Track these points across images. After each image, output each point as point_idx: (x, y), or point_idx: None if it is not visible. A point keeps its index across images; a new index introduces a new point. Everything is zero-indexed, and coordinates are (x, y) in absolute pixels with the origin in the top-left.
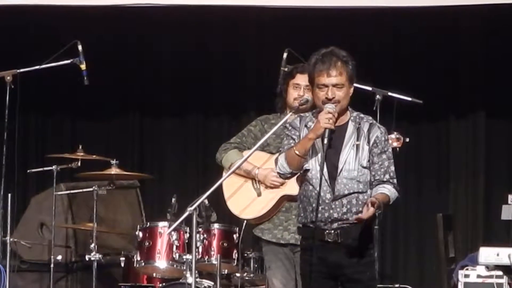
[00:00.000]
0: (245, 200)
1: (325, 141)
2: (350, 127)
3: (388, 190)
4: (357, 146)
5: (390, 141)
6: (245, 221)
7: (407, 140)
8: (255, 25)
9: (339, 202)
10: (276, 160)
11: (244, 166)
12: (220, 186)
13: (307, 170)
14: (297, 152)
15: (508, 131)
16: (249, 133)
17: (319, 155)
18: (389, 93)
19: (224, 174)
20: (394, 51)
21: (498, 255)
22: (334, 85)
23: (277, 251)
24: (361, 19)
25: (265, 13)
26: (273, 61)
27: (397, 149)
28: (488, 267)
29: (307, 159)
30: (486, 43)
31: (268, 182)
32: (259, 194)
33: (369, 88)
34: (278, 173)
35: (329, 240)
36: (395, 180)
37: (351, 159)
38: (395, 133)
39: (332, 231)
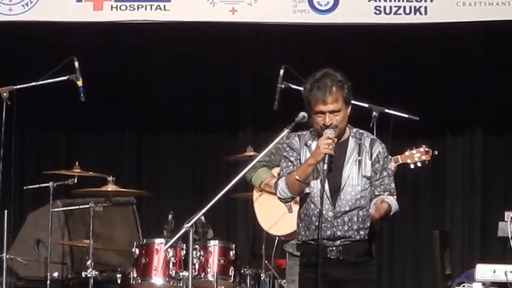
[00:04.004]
0: (276, 216)
1: (325, 166)
2: (351, 143)
3: (390, 201)
4: (359, 162)
5: (419, 154)
6: (277, 237)
7: (436, 153)
8: (251, 42)
9: (341, 220)
10: (276, 185)
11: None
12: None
13: (308, 193)
14: (297, 178)
15: (505, 148)
16: (278, 150)
17: (322, 175)
18: (386, 110)
19: (255, 193)
20: (391, 68)
21: (494, 272)
22: (331, 112)
23: None
24: (358, 35)
25: (262, 30)
26: (270, 78)
27: (426, 162)
28: (484, 284)
29: (308, 184)
30: (484, 60)
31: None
32: (290, 211)
33: (366, 105)
34: (278, 197)
35: (332, 257)
36: (395, 197)
37: (354, 174)
38: (424, 146)
39: (335, 248)
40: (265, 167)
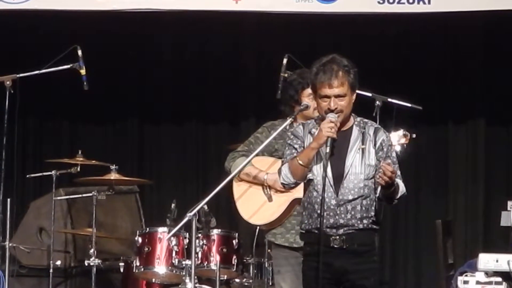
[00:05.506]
0: (256, 205)
1: (327, 149)
2: (355, 132)
3: (398, 182)
4: (363, 150)
5: (397, 138)
6: (258, 227)
7: (414, 136)
8: (254, 31)
9: (344, 208)
10: (280, 171)
11: (253, 173)
12: (228, 192)
13: (311, 180)
14: (300, 162)
15: (508, 138)
16: (256, 140)
17: (324, 159)
18: (389, 99)
19: (234, 183)
20: (393, 57)
21: (497, 261)
22: (336, 96)
23: (287, 255)
24: (361, 24)
25: (264, 19)
26: (273, 67)
27: (405, 145)
28: (487, 273)
29: (310, 169)
30: (486, 49)
31: (278, 187)
32: (270, 199)
33: (369, 94)
34: (282, 183)
35: (335, 246)
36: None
37: (357, 162)
38: (402, 130)
39: (338, 237)
40: (244, 157)
